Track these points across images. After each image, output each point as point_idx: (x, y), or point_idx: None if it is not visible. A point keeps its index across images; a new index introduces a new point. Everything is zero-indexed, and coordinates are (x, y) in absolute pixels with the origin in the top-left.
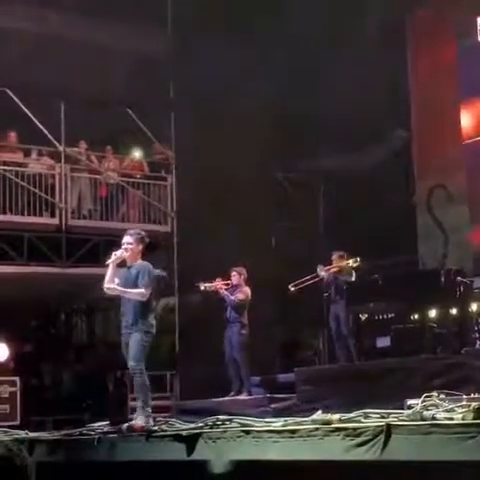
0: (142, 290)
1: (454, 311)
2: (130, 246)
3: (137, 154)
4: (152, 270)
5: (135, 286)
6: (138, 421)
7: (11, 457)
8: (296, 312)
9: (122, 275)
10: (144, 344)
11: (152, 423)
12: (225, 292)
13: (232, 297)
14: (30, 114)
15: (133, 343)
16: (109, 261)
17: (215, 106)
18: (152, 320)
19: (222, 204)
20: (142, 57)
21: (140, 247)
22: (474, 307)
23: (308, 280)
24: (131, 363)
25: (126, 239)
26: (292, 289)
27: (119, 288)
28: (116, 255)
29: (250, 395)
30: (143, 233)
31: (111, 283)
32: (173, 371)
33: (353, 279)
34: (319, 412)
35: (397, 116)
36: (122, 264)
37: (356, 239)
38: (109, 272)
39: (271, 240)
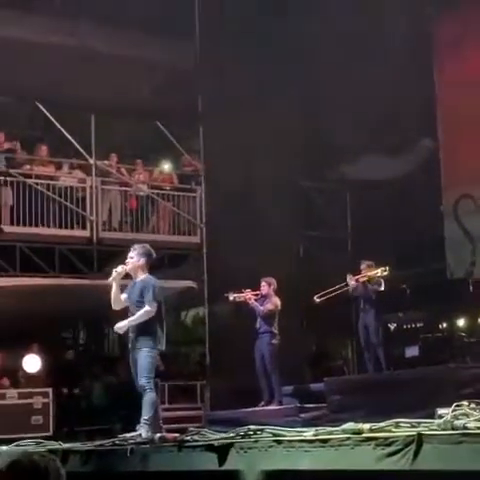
0: (147, 308)
1: None
2: (131, 260)
3: (166, 166)
4: (156, 284)
5: (138, 301)
6: (142, 432)
7: (45, 466)
8: (325, 322)
9: (128, 290)
10: (151, 360)
11: (157, 435)
12: (254, 302)
13: (261, 307)
14: (61, 127)
15: (141, 360)
16: (110, 279)
17: (243, 118)
18: (159, 334)
19: (250, 215)
20: (171, 70)
21: (142, 261)
22: None
23: (333, 291)
24: (142, 380)
25: (129, 253)
26: (317, 300)
27: (126, 322)
28: (117, 271)
29: (281, 405)
30: (147, 247)
31: (118, 304)
32: (203, 381)
33: (382, 288)
34: (350, 423)
35: (424, 126)
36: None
37: (384, 249)
38: (113, 290)
39: (299, 250)
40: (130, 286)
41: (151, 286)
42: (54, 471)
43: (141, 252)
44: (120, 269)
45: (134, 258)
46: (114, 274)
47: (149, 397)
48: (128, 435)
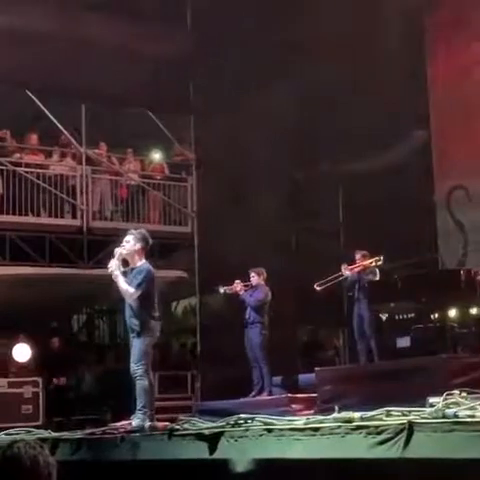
0: (131, 290)
1: (474, 311)
2: (127, 244)
3: (157, 156)
4: (150, 272)
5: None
6: (134, 422)
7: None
8: (316, 312)
9: (126, 278)
10: (143, 347)
11: (148, 424)
12: (244, 293)
13: (251, 298)
14: (51, 116)
15: (133, 347)
16: (112, 268)
17: (235, 107)
18: (152, 323)
19: (242, 205)
20: (162, 59)
21: (138, 246)
22: None
23: (333, 279)
24: (132, 365)
25: (125, 238)
26: (318, 289)
27: (117, 273)
28: (114, 257)
29: (271, 395)
30: (144, 232)
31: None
32: (194, 371)
33: (377, 278)
34: (336, 409)
35: (417, 117)
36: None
37: (376, 239)
38: (120, 282)
39: (291, 240)
40: (128, 273)
41: (144, 272)
42: (43, 460)
43: (138, 237)
44: (117, 254)
45: (130, 242)
46: (113, 264)
47: (139, 385)
48: (118, 424)
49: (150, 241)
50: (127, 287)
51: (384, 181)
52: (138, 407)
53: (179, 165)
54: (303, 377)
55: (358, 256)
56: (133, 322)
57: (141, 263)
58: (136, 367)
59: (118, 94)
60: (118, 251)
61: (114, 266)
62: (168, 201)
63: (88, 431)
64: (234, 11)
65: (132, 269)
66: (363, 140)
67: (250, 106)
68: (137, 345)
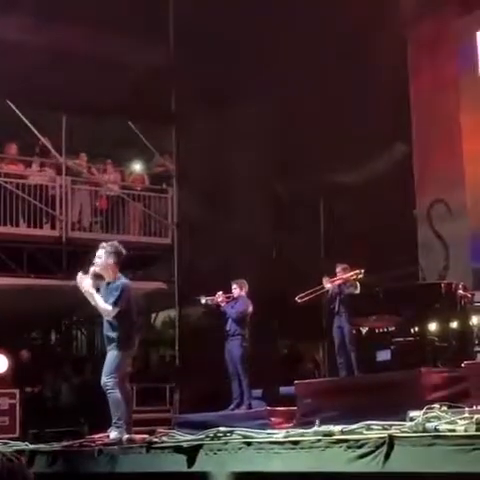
0: (109, 307)
1: (455, 324)
2: (99, 260)
3: (138, 166)
4: (126, 286)
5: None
6: (111, 434)
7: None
8: (296, 325)
9: (100, 293)
10: (117, 361)
11: (125, 437)
12: (226, 305)
13: (233, 310)
14: (31, 126)
15: (107, 359)
16: (85, 288)
17: (215, 119)
18: (131, 337)
19: (223, 217)
20: (143, 70)
21: (111, 260)
22: (475, 320)
23: (314, 292)
24: (103, 378)
25: (97, 252)
26: (299, 301)
27: (92, 292)
28: (86, 278)
29: (250, 408)
30: (116, 244)
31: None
32: (173, 384)
33: (358, 291)
34: (317, 423)
35: (399, 130)
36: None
37: (357, 252)
38: (96, 299)
39: (272, 253)
40: (102, 289)
41: (120, 288)
42: (20, 473)
43: (110, 251)
44: (91, 271)
45: (102, 257)
46: (85, 283)
47: (111, 398)
48: (95, 437)
49: (123, 252)
50: (105, 305)
51: (366, 195)
52: (113, 420)
53: (160, 176)
54: (284, 390)
55: (339, 269)
56: (110, 335)
57: (116, 277)
58: (106, 379)
59: (99, 105)
60: (91, 270)
61: (87, 286)
62: (148, 212)
63: (65, 443)
64: (217, 22)
65: (108, 283)
66: (345, 154)
67: (232, 117)
68: (111, 358)
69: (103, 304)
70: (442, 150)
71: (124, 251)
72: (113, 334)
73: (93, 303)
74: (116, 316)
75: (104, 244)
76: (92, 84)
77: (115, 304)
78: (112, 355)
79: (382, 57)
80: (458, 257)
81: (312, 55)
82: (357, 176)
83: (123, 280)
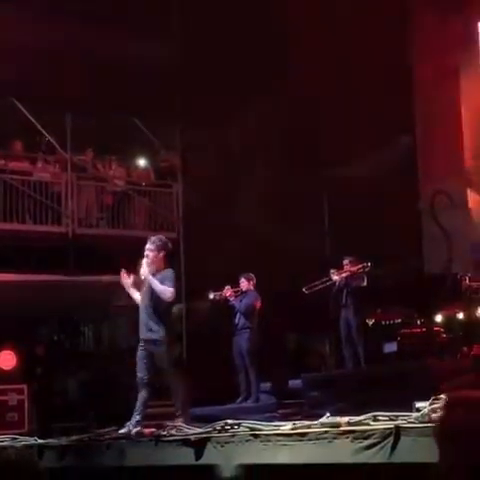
0: (171, 288)
1: (460, 316)
2: (151, 253)
3: (143, 162)
4: (174, 277)
5: (157, 295)
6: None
7: (23, 463)
8: (304, 318)
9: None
10: (150, 354)
11: (134, 430)
12: (234, 299)
13: (241, 303)
14: (36, 123)
15: (158, 355)
16: (143, 276)
17: (221, 114)
18: (162, 329)
19: (229, 210)
20: (148, 66)
21: (161, 254)
22: None
23: (321, 283)
24: (138, 374)
25: (146, 246)
26: (306, 292)
27: (151, 278)
28: (143, 267)
29: (257, 402)
30: (164, 239)
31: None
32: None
33: (365, 284)
34: (327, 415)
35: (403, 123)
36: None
37: (363, 245)
38: (153, 282)
39: (278, 247)
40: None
41: (173, 275)
42: (31, 467)
43: (159, 245)
44: (144, 264)
45: (154, 252)
46: (145, 270)
47: (144, 393)
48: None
49: (170, 245)
50: (165, 287)
51: (371, 187)
52: (135, 414)
53: (165, 171)
54: (293, 383)
55: (346, 262)
56: (155, 329)
57: (164, 270)
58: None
59: (104, 101)
60: (144, 261)
61: (147, 272)
62: (154, 207)
63: (74, 438)
64: (223, 21)
65: (153, 274)
66: (349, 146)
67: (237, 113)
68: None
69: (162, 287)
70: (443, 142)
71: (170, 244)
72: (158, 327)
73: (136, 294)
74: (169, 303)
75: (153, 238)
76: (97, 81)
77: (173, 287)
78: (159, 351)
79: (385, 48)
80: (462, 248)
81: (312, 52)
82: (361, 169)
83: (172, 271)
